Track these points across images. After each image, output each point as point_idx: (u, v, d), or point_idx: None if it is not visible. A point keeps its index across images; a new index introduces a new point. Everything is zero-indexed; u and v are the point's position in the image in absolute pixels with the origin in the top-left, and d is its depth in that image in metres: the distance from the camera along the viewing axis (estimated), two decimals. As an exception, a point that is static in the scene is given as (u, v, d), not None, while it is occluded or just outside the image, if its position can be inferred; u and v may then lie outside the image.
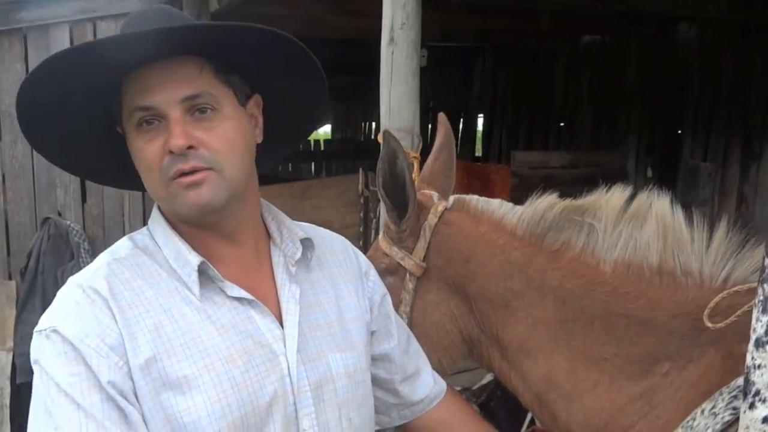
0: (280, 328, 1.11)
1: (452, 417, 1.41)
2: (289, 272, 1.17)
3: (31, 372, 1.00)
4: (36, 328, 1.01)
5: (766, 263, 1.01)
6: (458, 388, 3.49)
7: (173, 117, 1.02)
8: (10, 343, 3.90)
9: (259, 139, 1.16)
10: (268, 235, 1.21)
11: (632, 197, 1.36)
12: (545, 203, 1.43)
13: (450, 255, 1.51)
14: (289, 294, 1.15)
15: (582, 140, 7.11)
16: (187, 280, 1.06)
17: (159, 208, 1.15)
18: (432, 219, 1.52)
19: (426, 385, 1.39)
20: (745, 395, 0.96)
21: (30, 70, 3.94)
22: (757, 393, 0.94)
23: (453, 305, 1.52)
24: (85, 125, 1.11)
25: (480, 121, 9.20)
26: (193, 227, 1.10)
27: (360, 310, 1.26)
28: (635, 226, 1.33)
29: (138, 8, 4.07)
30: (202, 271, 1.06)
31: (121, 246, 1.12)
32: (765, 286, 0.99)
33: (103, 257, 1.10)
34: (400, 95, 1.94)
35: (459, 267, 1.49)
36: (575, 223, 1.39)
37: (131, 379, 0.98)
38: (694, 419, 1.14)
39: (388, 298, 1.37)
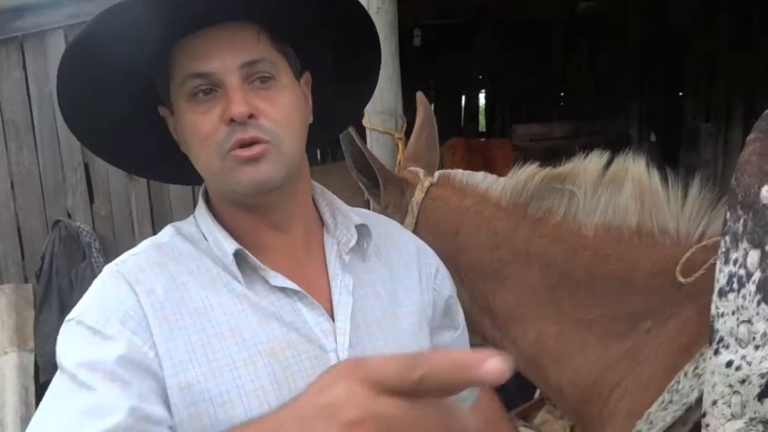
0: (331, 321, 1.02)
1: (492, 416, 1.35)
2: (342, 261, 1.07)
3: (53, 370, 0.94)
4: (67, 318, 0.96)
5: (727, 217, 1.05)
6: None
7: (232, 84, 0.94)
8: (31, 344, 4.00)
9: (311, 119, 1.09)
10: (321, 222, 1.12)
11: (609, 162, 1.40)
12: (526, 173, 1.47)
13: (438, 229, 1.55)
14: (341, 285, 1.05)
15: (584, 109, 7.09)
16: (231, 268, 0.99)
17: (204, 196, 1.08)
18: (419, 195, 1.57)
19: None
20: (710, 342, 1.00)
21: (29, 77, 4.00)
22: (721, 340, 0.99)
23: (444, 278, 1.56)
24: (127, 108, 1.04)
25: (482, 96, 9.18)
26: (240, 211, 1.03)
27: (423, 304, 1.16)
28: (613, 190, 1.36)
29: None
30: (240, 258, 0.99)
31: (164, 233, 1.06)
32: (726, 238, 1.03)
33: (143, 244, 1.04)
34: (381, 78, 1.96)
35: (448, 240, 1.54)
36: (556, 191, 1.43)
37: (159, 367, 0.90)
38: (678, 382, 1.16)
39: (456, 297, 1.27)
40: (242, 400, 0.92)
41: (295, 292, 1.00)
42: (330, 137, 1.36)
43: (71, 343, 0.92)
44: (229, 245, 0.99)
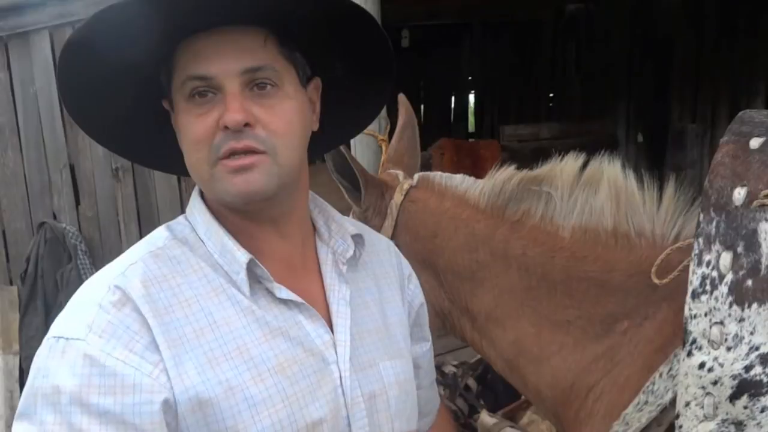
0: (330, 333, 1.01)
1: None
2: (339, 271, 1.07)
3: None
4: (51, 332, 0.91)
5: (700, 219, 1.06)
6: (455, 363, 3.56)
7: (231, 90, 0.91)
8: (16, 347, 3.98)
9: (315, 127, 1.06)
10: (314, 230, 1.11)
11: (585, 164, 1.41)
12: (504, 175, 1.47)
13: (417, 231, 1.55)
14: (339, 296, 1.05)
15: (572, 110, 7.12)
16: (235, 278, 0.96)
17: (200, 194, 1.04)
18: (398, 197, 1.57)
19: (436, 398, 1.35)
20: (684, 344, 1.00)
21: (13, 78, 3.97)
22: (694, 341, 0.99)
23: (423, 280, 1.55)
24: (131, 100, 1.02)
25: (471, 97, 9.22)
26: (238, 216, 1.00)
27: (403, 315, 1.18)
28: (590, 192, 1.37)
29: (116, 9, 4.09)
30: (249, 269, 0.96)
31: (158, 237, 1.01)
32: (699, 240, 1.04)
33: (138, 250, 0.99)
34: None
35: (426, 242, 1.54)
36: (534, 193, 1.43)
37: (171, 389, 0.88)
38: (653, 383, 1.17)
39: (425, 306, 1.29)
40: (254, 420, 0.91)
41: (298, 304, 0.99)
42: (335, 144, 1.35)
43: (67, 372, 0.86)
44: (242, 255, 0.96)
